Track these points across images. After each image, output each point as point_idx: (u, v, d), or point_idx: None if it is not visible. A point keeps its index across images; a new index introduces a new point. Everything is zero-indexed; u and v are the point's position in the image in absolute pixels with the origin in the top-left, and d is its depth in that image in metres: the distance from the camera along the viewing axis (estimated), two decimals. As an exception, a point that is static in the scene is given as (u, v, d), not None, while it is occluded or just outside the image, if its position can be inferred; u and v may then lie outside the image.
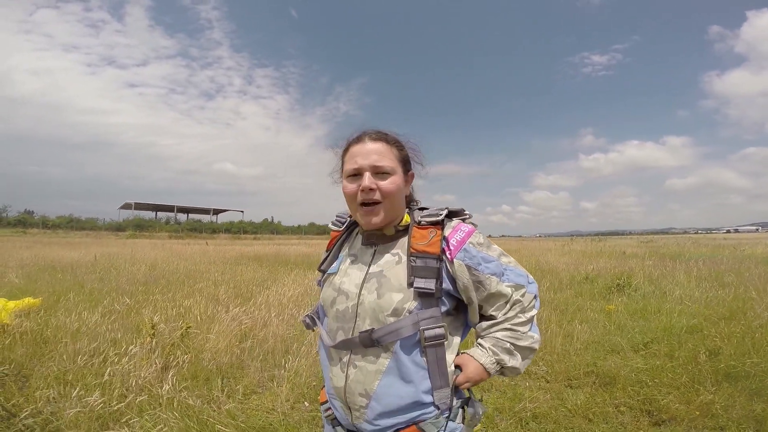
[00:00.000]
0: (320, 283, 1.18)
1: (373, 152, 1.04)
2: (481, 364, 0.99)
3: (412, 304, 0.96)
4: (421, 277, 0.96)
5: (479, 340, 1.04)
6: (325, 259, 1.18)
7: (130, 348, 2.94)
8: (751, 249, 14.98)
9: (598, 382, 3.15)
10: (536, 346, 1.04)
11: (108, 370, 2.68)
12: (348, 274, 1.07)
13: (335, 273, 1.11)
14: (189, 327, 3.40)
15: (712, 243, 21.68)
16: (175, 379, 2.64)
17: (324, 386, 1.14)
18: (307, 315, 1.18)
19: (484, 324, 1.05)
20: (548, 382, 3.21)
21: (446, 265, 1.00)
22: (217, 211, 75.10)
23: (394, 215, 1.06)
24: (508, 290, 1.02)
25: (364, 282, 1.02)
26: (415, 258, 0.99)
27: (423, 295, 0.96)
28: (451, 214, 1.08)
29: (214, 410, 2.50)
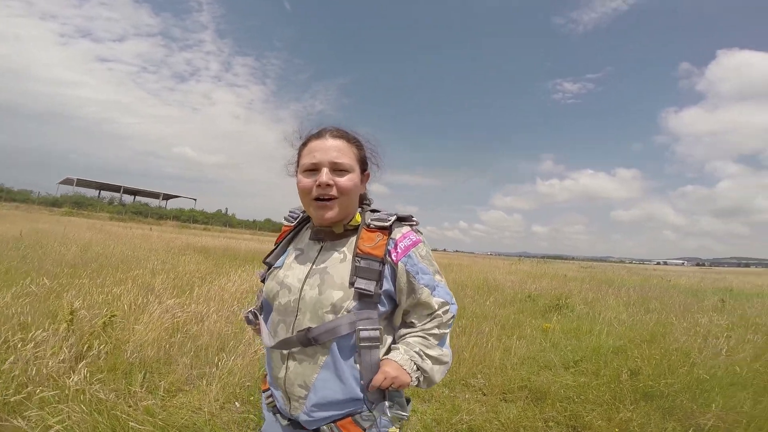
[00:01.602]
0: (262, 277, 1.18)
1: (332, 148, 1.05)
2: (397, 363, 1.01)
3: (351, 303, 0.99)
4: (363, 278, 0.99)
5: (393, 344, 1.08)
6: (272, 252, 1.19)
7: (38, 333, 2.61)
8: (676, 280, 16.52)
9: (531, 397, 3.25)
10: (446, 359, 1.09)
11: (12, 357, 2.38)
12: (292, 268, 1.09)
13: (280, 267, 1.12)
14: (114, 315, 3.12)
15: (644, 273, 23.58)
16: (86, 371, 2.38)
17: (267, 374, 1.16)
18: (249, 310, 1.17)
19: (402, 330, 1.10)
20: (485, 395, 3.27)
21: (390, 267, 1.03)
22: (167, 197, 70.78)
23: (347, 212, 1.08)
24: (435, 304, 1.06)
25: (307, 277, 1.04)
26: (359, 258, 1.01)
27: (362, 296, 0.99)
28: (400, 220, 1.10)
29: (130, 406, 2.28)
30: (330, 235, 1.09)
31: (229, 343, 3.44)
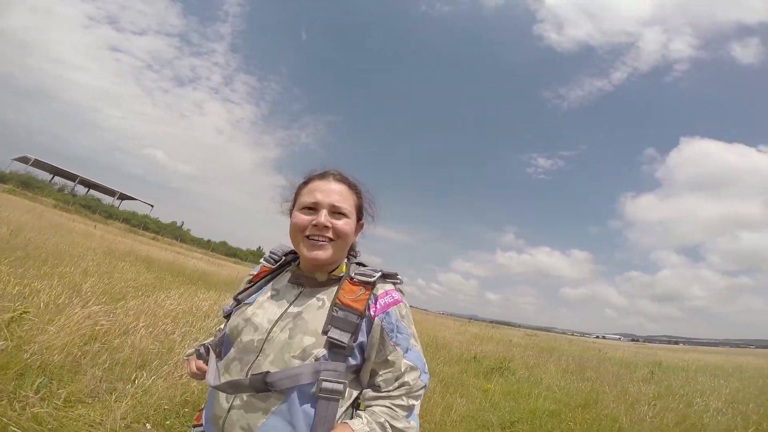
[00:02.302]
0: (227, 313, 1.13)
1: (335, 192, 1.07)
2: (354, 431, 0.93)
3: (320, 351, 0.94)
4: (338, 328, 0.96)
5: (358, 411, 1.00)
6: (245, 289, 1.15)
7: None
8: (612, 353, 17.09)
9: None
10: None
11: None
12: (263, 308, 1.05)
13: (250, 304, 1.08)
14: (26, 312, 2.80)
15: (584, 344, 24.42)
16: None
17: (203, 408, 1.08)
18: (202, 344, 1.12)
19: (369, 394, 1.02)
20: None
21: (367, 321, 1.00)
22: (123, 197, 66.37)
23: (337, 257, 1.08)
24: (404, 366, 1.01)
25: (279, 319, 1.00)
26: (337, 309, 0.99)
27: (333, 346, 0.95)
28: (385, 276, 1.08)
29: (15, 411, 1.99)
30: (311, 282, 1.08)
31: (153, 362, 3.15)
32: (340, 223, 1.05)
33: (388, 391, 1.00)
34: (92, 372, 2.66)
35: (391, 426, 0.96)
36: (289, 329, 0.98)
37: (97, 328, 3.40)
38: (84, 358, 2.84)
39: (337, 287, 1.04)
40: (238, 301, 1.12)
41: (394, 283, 1.09)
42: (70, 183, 59.19)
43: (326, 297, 1.04)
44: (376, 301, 1.02)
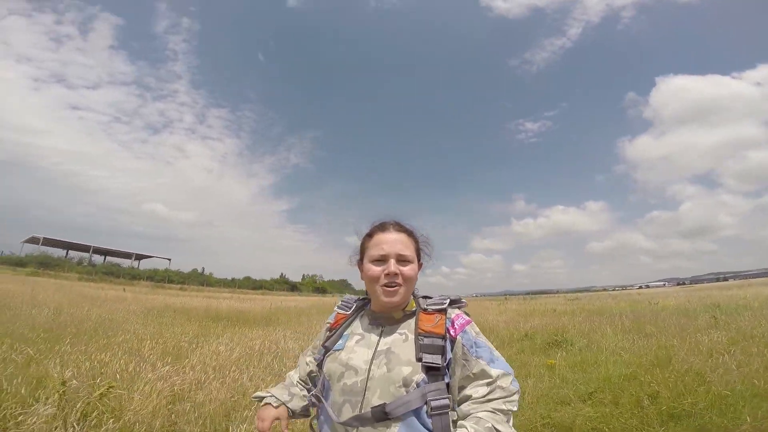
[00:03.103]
0: (318, 361, 1.24)
1: (397, 242, 1.21)
2: None
3: (419, 376, 1.05)
4: (429, 353, 1.07)
5: (461, 422, 1.05)
6: (329, 337, 1.25)
7: (37, 406, 2.37)
8: (663, 301, 16.53)
9: (557, 432, 3.16)
10: None
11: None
12: (355, 351, 1.15)
13: (341, 350, 1.18)
14: (112, 386, 2.89)
15: (629, 298, 23.79)
16: None
17: None
18: (312, 393, 1.20)
19: (464, 408, 1.09)
20: (510, 436, 3.14)
21: (449, 341, 1.12)
22: (139, 257, 67.90)
23: (407, 297, 1.21)
24: (495, 374, 1.09)
25: (373, 358, 1.11)
26: (423, 337, 1.11)
27: (430, 369, 1.06)
28: (452, 302, 1.22)
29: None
30: (389, 321, 1.20)
31: (237, 410, 3.22)
32: (407, 269, 1.19)
33: (487, 399, 1.07)
34: (190, 430, 2.74)
35: (497, 430, 1.00)
36: (385, 365, 1.08)
37: (174, 388, 3.50)
38: (177, 417, 2.92)
39: (414, 320, 1.18)
40: (326, 349, 1.22)
41: (459, 307, 1.23)
42: (85, 254, 60.73)
43: (407, 330, 1.17)
44: (453, 324, 1.15)
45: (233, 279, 67.76)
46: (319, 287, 76.56)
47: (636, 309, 13.39)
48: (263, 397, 1.26)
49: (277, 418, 1.20)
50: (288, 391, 1.28)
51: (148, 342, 5.69)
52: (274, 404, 1.22)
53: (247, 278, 69.83)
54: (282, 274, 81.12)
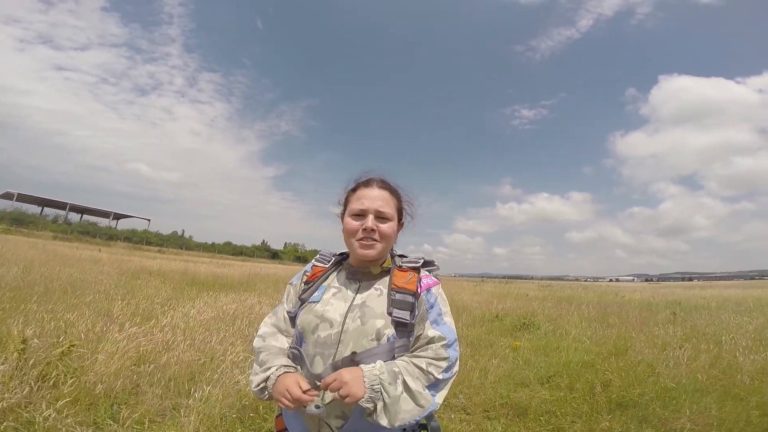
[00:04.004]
0: (293, 314, 1.25)
1: (378, 198, 1.23)
2: (361, 371, 1.00)
3: (390, 330, 1.10)
4: (399, 309, 1.12)
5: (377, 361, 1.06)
6: (305, 290, 1.26)
7: None
8: (630, 295, 17.43)
9: (513, 413, 3.31)
10: (423, 402, 1.02)
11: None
12: (331, 304, 1.17)
13: (317, 302, 1.19)
14: (73, 345, 2.86)
15: (599, 289, 24.77)
16: (53, 405, 2.14)
17: (279, 415, 1.21)
18: (291, 346, 1.20)
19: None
20: (469, 414, 3.30)
21: (417, 299, 1.16)
22: (118, 216, 66.22)
23: (384, 254, 1.24)
24: (432, 334, 1.12)
25: (348, 312, 1.13)
26: (395, 292, 1.15)
27: (399, 325, 1.11)
28: (425, 263, 1.27)
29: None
30: (366, 276, 1.23)
31: (204, 373, 3.23)
32: (385, 227, 1.21)
33: (414, 354, 1.11)
34: (152, 392, 2.75)
35: (403, 381, 1.02)
36: (359, 318, 1.11)
37: (141, 349, 3.48)
38: (140, 379, 2.92)
39: (389, 276, 1.21)
40: (302, 301, 1.23)
41: (431, 270, 1.27)
42: (61, 212, 58.72)
43: (382, 286, 1.20)
44: (421, 283, 1.19)
45: (213, 243, 66.88)
46: (301, 256, 76.08)
47: (603, 300, 13.98)
48: (267, 376, 1.10)
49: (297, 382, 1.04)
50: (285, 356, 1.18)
51: (119, 303, 5.60)
52: (281, 372, 1.09)
53: (228, 243, 69.10)
54: (264, 241, 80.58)
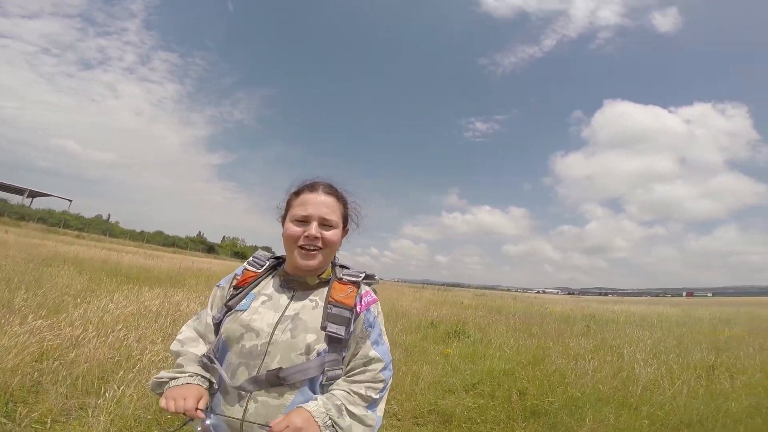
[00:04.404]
0: (216, 320, 1.17)
1: (323, 204, 1.18)
2: (310, 413, 0.99)
3: (321, 345, 1.06)
4: (334, 323, 1.08)
5: (317, 395, 1.07)
6: (234, 296, 1.19)
7: None
8: (552, 307, 18.80)
9: (439, 420, 3.45)
10: (369, 422, 1.06)
11: None
12: (259, 313, 1.11)
13: (244, 310, 1.12)
14: (-39, 337, 2.53)
15: (527, 300, 26.53)
16: None
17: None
18: (205, 354, 1.12)
19: (339, 380, 1.11)
20: (399, 420, 3.39)
21: (354, 315, 1.13)
22: (34, 194, 58.60)
23: (325, 264, 1.19)
24: (371, 355, 1.12)
25: (278, 323, 1.08)
26: (332, 306, 1.11)
27: (333, 340, 1.07)
28: (367, 277, 1.23)
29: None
30: (302, 286, 1.17)
31: (117, 372, 3.01)
32: (329, 234, 1.16)
33: (352, 379, 1.09)
34: (55, 390, 2.51)
35: (348, 410, 1.03)
36: (290, 330, 1.06)
37: (45, 344, 3.16)
38: (42, 376, 2.65)
39: (327, 288, 1.16)
40: (229, 308, 1.16)
41: (370, 284, 1.24)
42: (-35, 185, 51.03)
43: (318, 298, 1.15)
44: (361, 299, 1.16)
45: (142, 232, 61.44)
46: (240, 252, 72.49)
47: (529, 311, 14.99)
48: (174, 377, 1.06)
49: (200, 397, 1.02)
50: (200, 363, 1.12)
51: (23, 292, 5.02)
52: (193, 382, 1.04)
53: (159, 233, 63.78)
54: (200, 232, 75.78)
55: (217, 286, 1.25)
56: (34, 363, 2.81)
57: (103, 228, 54.05)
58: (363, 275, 1.21)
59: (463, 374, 4.88)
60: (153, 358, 3.35)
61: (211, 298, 1.23)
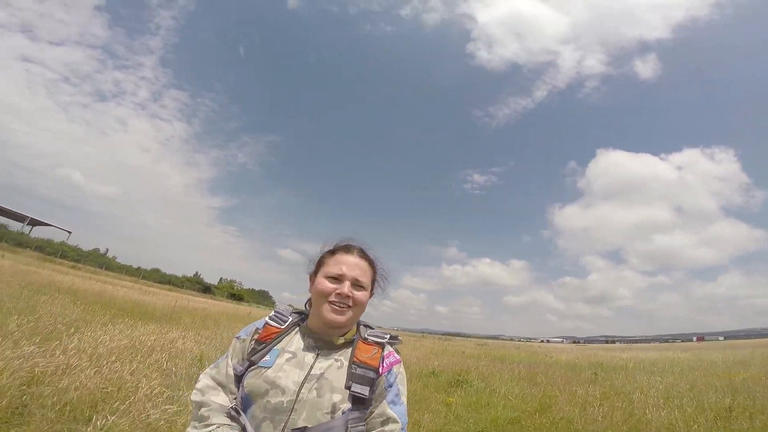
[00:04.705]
0: (239, 373, 1.17)
1: (357, 267, 1.24)
2: None
3: (346, 405, 1.08)
4: (359, 384, 1.11)
5: None
6: (256, 351, 1.19)
7: None
8: (557, 356, 18.18)
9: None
10: None
11: None
12: (284, 371, 1.12)
13: (269, 367, 1.13)
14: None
15: (530, 349, 25.69)
16: None
17: None
18: (232, 407, 1.12)
19: None
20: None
21: (377, 377, 1.16)
22: (35, 222, 58.80)
23: (352, 323, 1.23)
24: (389, 415, 1.13)
25: (304, 381, 1.09)
26: (356, 366, 1.14)
27: (357, 400, 1.10)
28: (391, 338, 1.27)
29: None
30: (328, 344, 1.20)
31: (109, 402, 2.88)
32: (359, 294, 1.21)
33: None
34: (42, 414, 2.40)
35: None
36: (316, 389, 1.08)
37: (36, 370, 3.05)
38: (30, 400, 2.54)
39: (351, 348, 1.20)
40: (252, 363, 1.16)
41: (393, 345, 1.28)
42: (-35, 209, 51.41)
43: (343, 357, 1.18)
44: (383, 360, 1.19)
45: (139, 268, 60.88)
46: (236, 294, 71.43)
47: (533, 360, 14.49)
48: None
49: None
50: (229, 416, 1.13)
51: (16, 317, 4.92)
52: None
53: (156, 270, 63.11)
54: (197, 273, 74.99)
55: (237, 337, 1.25)
56: (23, 387, 2.71)
57: (99, 261, 53.56)
58: (388, 336, 1.25)
59: (466, 422, 4.69)
60: (148, 392, 3.23)
61: (231, 349, 1.23)
